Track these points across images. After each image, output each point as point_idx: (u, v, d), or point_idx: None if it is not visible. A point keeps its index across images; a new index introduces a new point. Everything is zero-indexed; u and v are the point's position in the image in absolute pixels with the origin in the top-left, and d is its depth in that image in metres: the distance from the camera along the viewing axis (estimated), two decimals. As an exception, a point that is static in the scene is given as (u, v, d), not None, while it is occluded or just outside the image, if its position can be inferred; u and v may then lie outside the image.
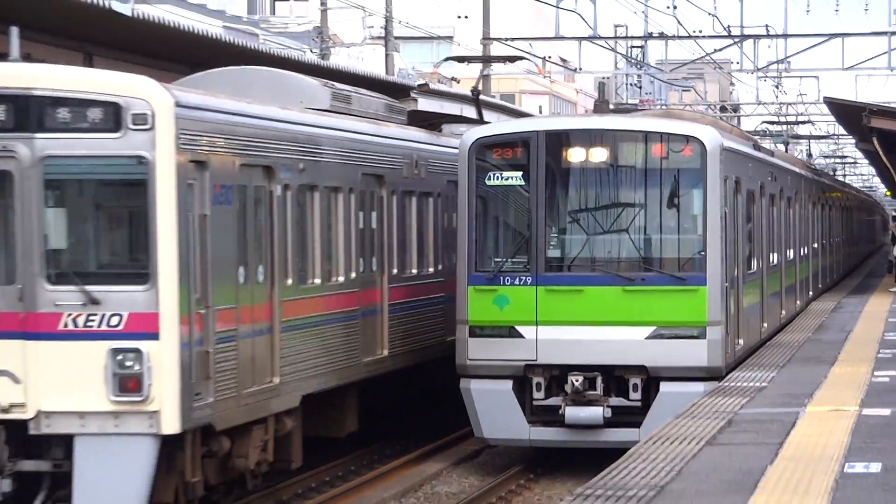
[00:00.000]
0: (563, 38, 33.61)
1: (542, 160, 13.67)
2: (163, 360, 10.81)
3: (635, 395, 13.46)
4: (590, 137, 13.85)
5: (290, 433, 13.98)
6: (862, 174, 76.83)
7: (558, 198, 13.96)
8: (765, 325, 18.75)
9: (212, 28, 29.85)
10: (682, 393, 12.78)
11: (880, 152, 39.72)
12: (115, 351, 10.79)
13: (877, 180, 70.50)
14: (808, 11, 34.03)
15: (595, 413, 13.18)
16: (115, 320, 10.92)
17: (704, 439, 10.34)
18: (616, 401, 13.48)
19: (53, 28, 16.94)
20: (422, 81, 28.49)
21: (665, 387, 13.24)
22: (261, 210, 13.09)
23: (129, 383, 10.77)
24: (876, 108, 32.81)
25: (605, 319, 13.50)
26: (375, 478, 14.93)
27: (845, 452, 10.07)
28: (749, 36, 35.05)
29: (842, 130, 50.03)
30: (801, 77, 45.50)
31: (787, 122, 51.64)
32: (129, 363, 10.79)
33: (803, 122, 51.61)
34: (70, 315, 10.86)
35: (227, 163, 12.01)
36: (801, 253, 26.74)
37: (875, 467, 9.02)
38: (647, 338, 13.41)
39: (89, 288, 10.86)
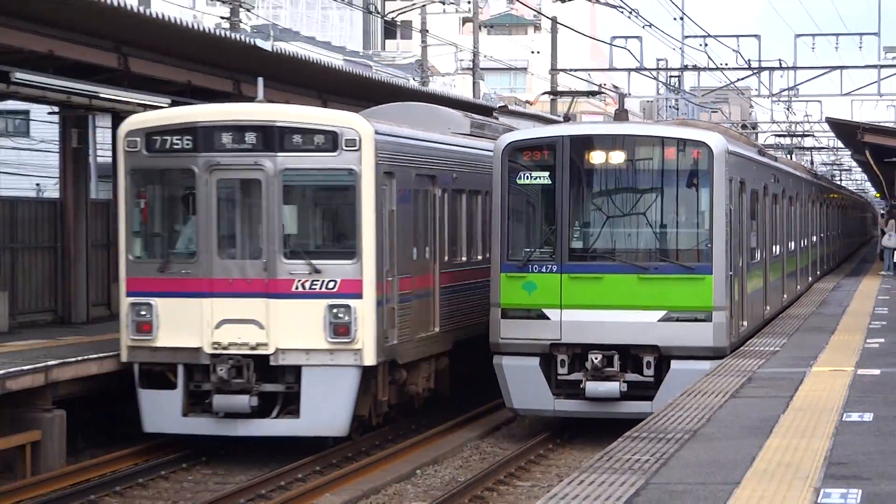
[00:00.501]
0: (615, 69, 33.00)
1: (566, 162, 12.56)
2: (364, 313, 12.15)
3: (648, 372, 12.37)
4: (609, 142, 12.82)
5: (445, 369, 15.25)
6: (856, 179, 74.47)
7: (581, 195, 12.93)
8: (767, 307, 17.22)
9: (335, 60, 30.09)
10: (690, 370, 11.74)
11: (871, 162, 39.13)
12: (331, 306, 12.15)
13: (868, 184, 68.45)
14: (813, 48, 33.21)
15: (612, 387, 12.16)
16: (331, 285, 12.24)
17: (730, 393, 10.03)
18: (631, 376, 12.41)
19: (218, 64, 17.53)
20: (502, 104, 28.76)
21: (675, 364, 12.19)
22: (427, 207, 14.30)
23: (340, 329, 12.12)
24: (868, 127, 33.46)
25: (621, 304, 12.42)
26: (414, 444, 13.69)
27: (843, 404, 9.82)
28: (766, 68, 34.23)
29: (840, 144, 48.99)
30: (807, 101, 44.12)
31: (793, 135, 50.58)
32: (340, 315, 12.11)
33: (807, 135, 50.33)
34: (300, 281, 12.22)
35: (407, 173, 13.37)
36: (803, 244, 24.83)
37: (868, 417, 8.82)
38: (660, 321, 12.35)
39: (314, 262, 12.27)
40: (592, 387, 12.15)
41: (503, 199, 12.87)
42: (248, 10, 26.92)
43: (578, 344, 12.44)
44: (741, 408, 9.50)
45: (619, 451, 7.31)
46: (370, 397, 12.66)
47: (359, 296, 12.20)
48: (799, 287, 23.15)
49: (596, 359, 12.16)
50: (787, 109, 47.70)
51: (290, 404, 12.20)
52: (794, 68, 33.75)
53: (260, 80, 13.64)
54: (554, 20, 38.23)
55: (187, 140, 12.16)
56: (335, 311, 12.12)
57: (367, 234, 12.25)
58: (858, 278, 30.84)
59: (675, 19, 31.88)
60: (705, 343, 12.23)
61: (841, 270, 35.12)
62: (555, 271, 12.48)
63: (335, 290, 12.22)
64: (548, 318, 12.45)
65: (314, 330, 12.08)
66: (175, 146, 12.22)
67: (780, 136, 51.18)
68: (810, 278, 27.14)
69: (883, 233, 37.28)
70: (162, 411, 12.30)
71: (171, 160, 12.47)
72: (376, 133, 12.36)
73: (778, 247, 19.25)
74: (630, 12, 28.19)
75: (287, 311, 12.16)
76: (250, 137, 12.22)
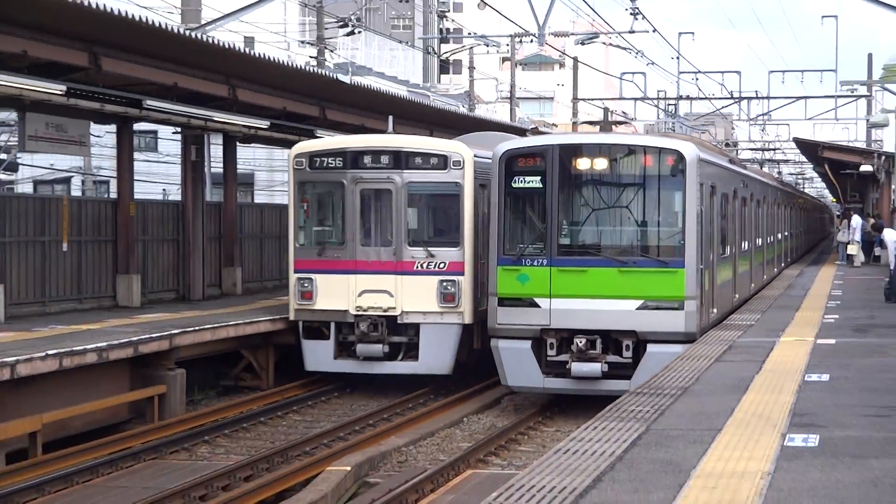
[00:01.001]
0: (624, 98, 33.00)
1: (555, 167, 11.28)
2: (465, 286, 13.07)
3: (627, 354, 11.12)
4: (594, 150, 11.51)
5: None
6: (816, 187, 72.23)
7: (568, 197, 11.62)
8: (736, 295, 15.72)
9: (400, 91, 30.19)
10: (664, 353, 10.49)
11: (829, 173, 38.00)
12: (442, 281, 13.10)
13: (826, 192, 66.44)
14: (783, 82, 32.80)
15: (595, 368, 10.96)
16: (441, 265, 13.20)
17: (714, 358, 9.73)
18: (612, 358, 11.14)
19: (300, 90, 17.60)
20: (533, 126, 28.47)
21: (651, 348, 10.98)
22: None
23: (448, 297, 13.06)
24: (826, 145, 32.91)
25: (604, 294, 11.12)
26: (462, 398, 13.24)
27: (805, 367, 9.31)
28: (744, 97, 33.77)
29: (804, 159, 47.86)
30: (777, 125, 43.26)
31: (766, 149, 49.88)
32: (448, 287, 13.07)
33: (777, 149, 49.48)
34: (419, 262, 13.24)
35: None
36: (771, 239, 22.56)
37: (825, 377, 8.49)
38: (637, 309, 11.05)
39: (429, 249, 13.26)
40: (577, 367, 10.98)
41: (500, 200, 11.68)
42: (332, 51, 27.09)
43: (565, 329, 11.19)
44: (723, 370, 9.16)
45: (625, 404, 7.15)
46: (467, 346, 13.41)
47: (461, 273, 13.13)
48: (767, 275, 21.38)
49: (580, 342, 10.96)
50: (762, 131, 46.89)
51: (410, 351, 13.20)
52: (768, 98, 33.41)
53: (391, 118, 14.72)
54: (575, 59, 38.09)
55: (339, 161, 13.37)
56: (444, 284, 13.07)
57: (467, 229, 13.19)
58: (819, 266, 28.57)
59: (672, 58, 31.55)
60: (678, 329, 11.00)
61: (804, 260, 33.59)
62: (545, 265, 11.24)
63: (444, 269, 13.17)
64: (538, 306, 11.21)
65: (429, 298, 13.07)
66: (330, 165, 13.46)
67: (755, 150, 50.40)
68: (781, 266, 25.55)
69: (838, 230, 36.41)
70: (319, 356, 13.38)
71: (327, 175, 13.66)
72: (474, 156, 13.29)
73: (748, 242, 17.72)
74: (636, 53, 27.86)
75: (410, 284, 13.16)
76: (384, 159, 13.38)
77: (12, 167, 25.75)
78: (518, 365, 11.34)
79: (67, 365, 9.88)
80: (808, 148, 35.11)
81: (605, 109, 21.19)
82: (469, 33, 35.68)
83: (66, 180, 29.63)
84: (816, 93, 32.80)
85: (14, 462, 9.17)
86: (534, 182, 11.43)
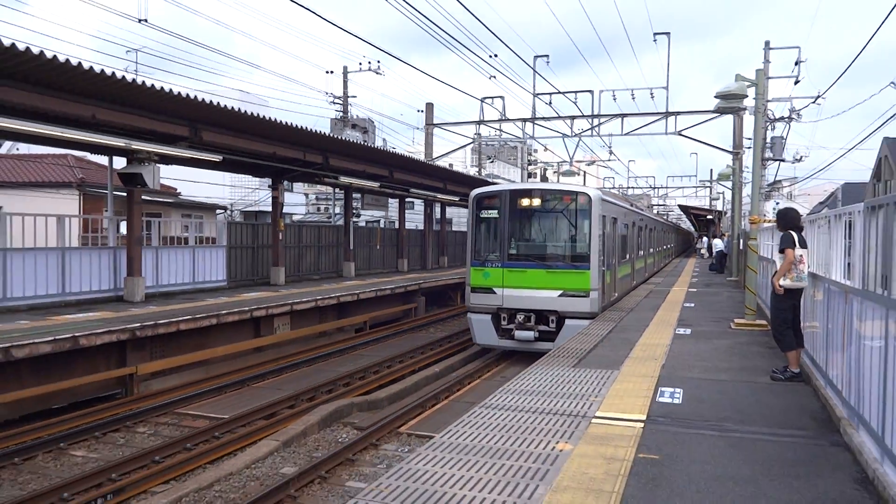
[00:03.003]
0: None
1: (507, 205, 14.57)
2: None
3: (552, 325, 14.06)
4: (532, 193, 14.61)
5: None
6: (684, 221, 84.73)
7: (515, 223, 14.63)
8: (634, 281, 20.28)
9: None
10: (576, 325, 13.45)
11: (693, 216, 47.93)
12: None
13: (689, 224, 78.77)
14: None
15: (529, 334, 14.00)
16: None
17: (601, 335, 11.43)
18: (542, 328, 14.12)
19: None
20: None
21: (567, 322, 13.85)
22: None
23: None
24: (692, 207, 42.95)
25: (537, 286, 14.10)
26: (427, 364, 15.46)
27: (684, 299, 15.54)
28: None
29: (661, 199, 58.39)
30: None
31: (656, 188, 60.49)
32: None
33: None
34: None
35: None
36: (658, 248, 30.58)
37: (692, 304, 13.50)
38: (559, 296, 13.97)
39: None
40: (519, 333, 14.09)
41: (472, 225, 14.94)
42: (484, 168, 38.19)
43: (512, 308, 14.30)
44: (648, 300, 14.84)
45: (597, 321, 12.90)
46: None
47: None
48: (659, 265, 30.15)
49: (521, 318, 14.19)
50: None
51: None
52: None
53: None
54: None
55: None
56: None
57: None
58: (688, 259, 45.09)
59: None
60: (584, 309, 13.78)
61: (680, 256, 48.99)
62: (499, 266, 14.41)
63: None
64: (495, 293, 14.40)
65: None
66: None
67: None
68: (670, 258, 40.16)
69: (697, 243, 48.19)
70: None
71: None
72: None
73: (641, 250, 22.80)
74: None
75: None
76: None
77: (356, 216, 40.64)
78: (482, 331, 14.68)
79: (386, 293, 20.55)
80: (683, 208, 54.75)
81: (543, 169, 27.25)
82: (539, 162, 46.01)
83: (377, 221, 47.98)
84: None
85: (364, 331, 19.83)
86: (493, 213, 14.70)
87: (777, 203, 35.09)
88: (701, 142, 24.60)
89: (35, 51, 9.86)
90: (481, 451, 5.18)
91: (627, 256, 19.02)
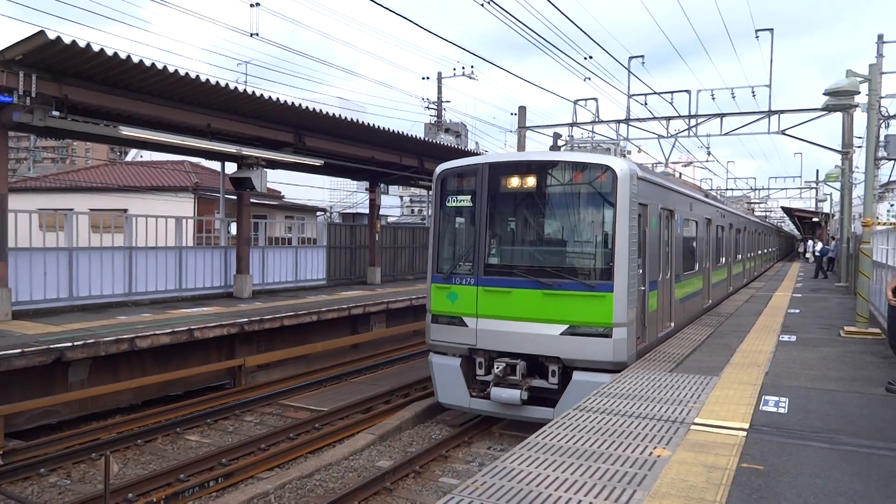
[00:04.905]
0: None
1: (485, 187, 9.69)
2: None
3: (553, 381, 9.05)
4: (523, 168, 9.58)
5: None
6: (789, 224, 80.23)
7: (497, 216, 9.77)
8: (692, 310, 13.47)
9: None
10: (590, 381, 8.62)
11: (797, 220, 46.21)
12: None
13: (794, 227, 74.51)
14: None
15: (513, 395, 8.99)
16: None
17: (699, 340, 10.75)
18: (538, 383, 9.12)
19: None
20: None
21: (576, 376, 8.87)
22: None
23: None
24: (796, 209, 41.30)
25: (527, 316, 9.10)
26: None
27: (788, 305, 13.99)
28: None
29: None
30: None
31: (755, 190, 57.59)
32: None
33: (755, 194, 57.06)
34: None
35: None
36: (758, 252, 27.92)
37: (797, 310, 12.80)
38: (562, 333, 8.89)
39: None
40: (496, 393, 9.09)
41: (436, 218, 10.23)
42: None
43: (491, 350, 9.41)
44: (749, 305, 14.97)
45: (712, 310, 12.53)
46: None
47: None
48: (756, 271, 27.87)
49: (499, 368, 9.09)
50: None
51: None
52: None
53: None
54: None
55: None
56: None
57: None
58: (791, 263, 43.93)
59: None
60: (604, 357, 8.73)
61: (782, 261, 49.75)
62: (472, 284, 9.56)
63: None
64: (466, 325, 9.51)
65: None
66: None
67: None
68: (768, 264, 36.68)
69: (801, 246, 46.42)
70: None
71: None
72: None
73: (729, 256, 17.98)
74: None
75: None
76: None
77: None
78: (448, 382, 9.76)
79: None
80: (787, 210, 54.24)
81: (555, 134, 22.59)
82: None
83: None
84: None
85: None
86: (465, 201, 9.99)
87: (892, 205, 32.78)
88: (806, 141, 23.25)
89: (159, 66, 10.53)
90: (576, 453, 5.08)
91: (698, 266, 13.82)
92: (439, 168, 10.19)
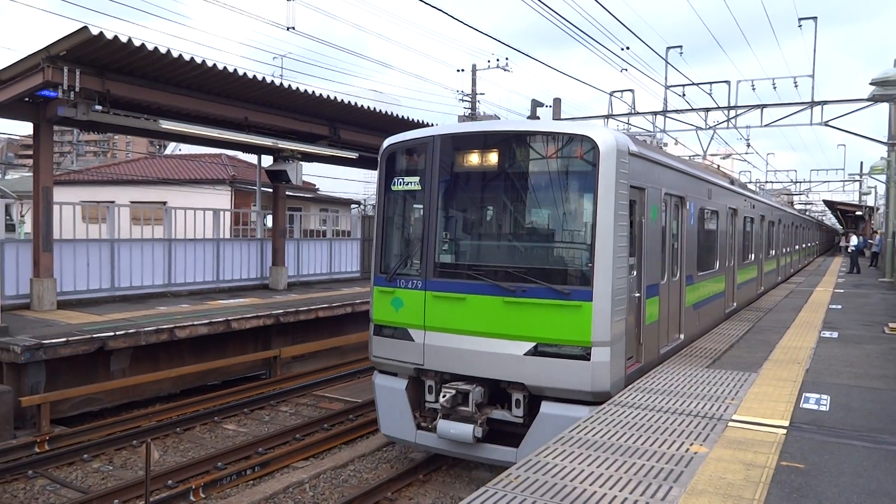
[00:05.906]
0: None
1: (436, 166, 7.55)
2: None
3: (517, 413, 7.02)
4: (484, 140, 7.38)
5: None
6: (830, 218, 78.12)
7: (450, 203, 7.66)
8: (734, 303, 12.77)
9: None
10: (563, 416, 6.66)
11: (840, 214, 44.87)
12: None
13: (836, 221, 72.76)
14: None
15: (464, 431, 7.00)
16: None
17: (737, 336, 10.45)
18: (499, 413, 7.14)
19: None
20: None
21: (545, 407, 6.82)
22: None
23: None
24: (830, 202, 40.60)
25: (484, 330, 7.06)
26: None
27: (829, 301, 14.62)
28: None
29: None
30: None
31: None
32: None
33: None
34: None
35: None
36: (798, 247, 26.74)
37: (838, 306, 12.61)
38: (528, 353, 6.80)
39: None
40: (443, 427, 7.13)
41: (379, 206, 8.08)
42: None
43: (441, 372, 7.39)
44: (788, 300, 14.72)
45: (738, 314, 12.45)
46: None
47: None
48: (795, 266, 27.15)
49: (447, 395, 7.01)
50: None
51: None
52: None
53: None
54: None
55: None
56: None
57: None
58: (833, 258, 42.85)
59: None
60: (581, 386, 6.66)
61: (823, 256, 49.06)
62: (420, 288, 7.49)
63: None
64: (412, 340, 7.51)
65: None
66: None
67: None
68: (809, 259, 36.17)
69: (843, 240, 46.06)
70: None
71: None
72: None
73: (755, 254, 15.68)
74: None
75: None
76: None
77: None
78: (392, 409, 7.81)
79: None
80: (829, 203, 52.62)
81: (533, 101, 20.99)
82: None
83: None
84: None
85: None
86: (412, 184, 7.84)
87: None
88: (851, 133, 22.56)
89: (198, 60, 10.69)
90: (611, 448, 5.05)
91: (718, 264, 11.57)
92: (386, 142, 8.06)
